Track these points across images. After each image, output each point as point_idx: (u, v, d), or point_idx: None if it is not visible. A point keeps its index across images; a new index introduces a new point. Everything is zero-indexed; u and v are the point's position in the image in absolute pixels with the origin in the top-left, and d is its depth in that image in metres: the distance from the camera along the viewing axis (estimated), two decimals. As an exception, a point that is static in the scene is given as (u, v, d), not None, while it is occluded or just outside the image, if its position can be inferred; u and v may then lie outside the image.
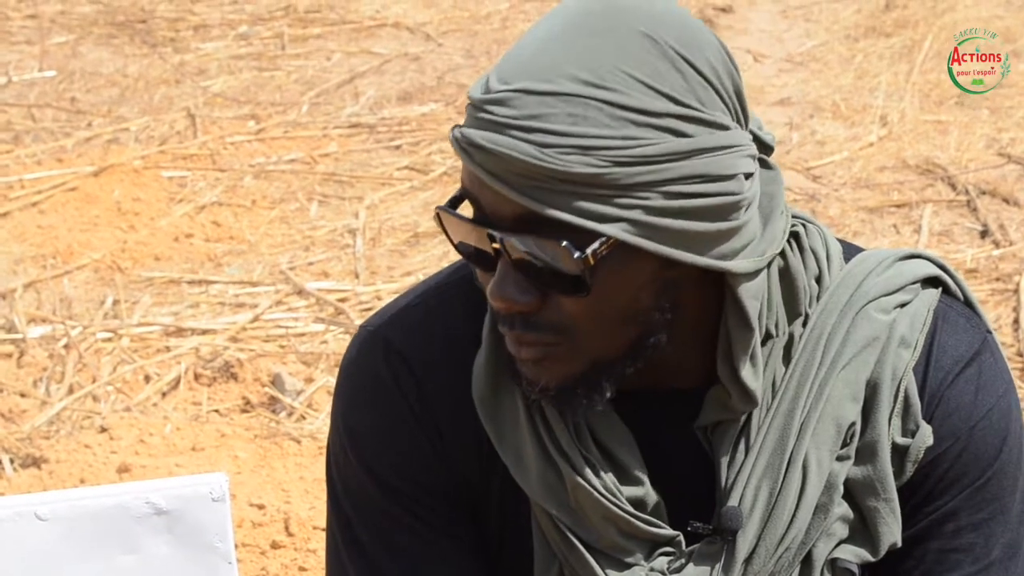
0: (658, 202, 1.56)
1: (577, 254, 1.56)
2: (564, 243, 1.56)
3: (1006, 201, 5.35)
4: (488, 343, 1.72)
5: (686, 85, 1.58)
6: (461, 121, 1.64)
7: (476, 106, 1.59)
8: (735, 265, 1.61)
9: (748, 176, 1.61)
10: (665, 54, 1.58)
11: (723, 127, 1.59)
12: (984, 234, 5.13)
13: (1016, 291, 4.70)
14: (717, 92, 1.59)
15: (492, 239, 1.59)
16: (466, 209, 1.65)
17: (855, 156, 5.73)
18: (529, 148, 1.55)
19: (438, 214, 1.64)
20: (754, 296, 1.65)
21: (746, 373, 1.67)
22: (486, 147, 1.56)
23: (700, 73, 1.59)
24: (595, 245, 1.57)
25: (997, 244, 5.04)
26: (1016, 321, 4.54)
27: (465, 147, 1.58)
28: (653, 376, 1.70)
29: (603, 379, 1.64)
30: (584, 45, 1.57)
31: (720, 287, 1.65)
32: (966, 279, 4.77)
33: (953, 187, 5.46)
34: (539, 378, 1.64)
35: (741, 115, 1.62)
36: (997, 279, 4.80)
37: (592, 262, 1.57)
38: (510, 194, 1.56)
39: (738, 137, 1.60)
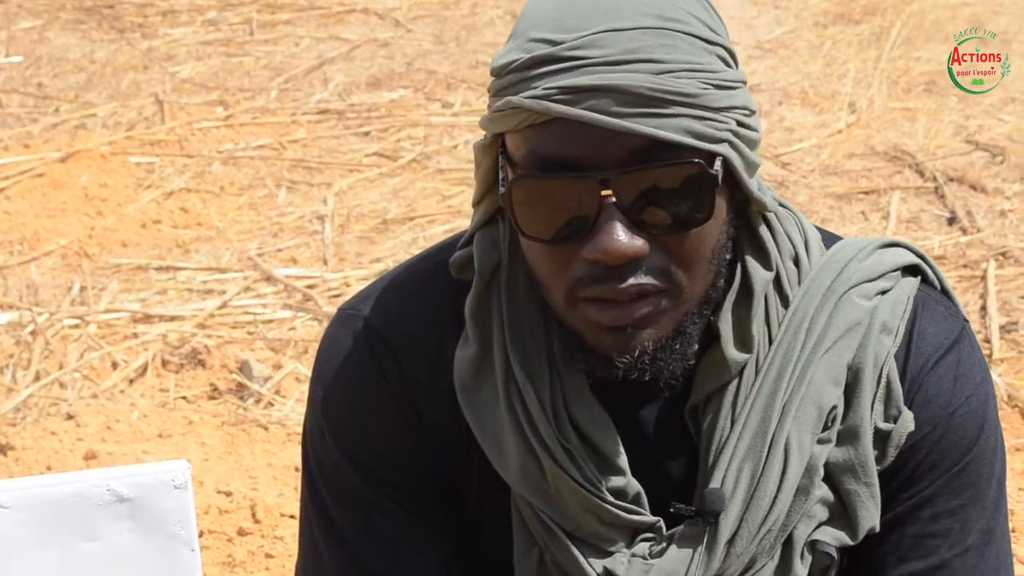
0: (735, 128, 1.61)
1: (711, 170, 1.59)
2: (697, 159, 1.58)
3: (973, 188, 5.37)
4: (476, 335, 1.71)
5: (716, 23, 1.64)
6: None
7: (553, 58, 1.58)
8: (768, 200, 1.68)
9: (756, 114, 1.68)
10: None
11: (736, 62, 1.66)
12: (952, 221, 5.14)
13: (983, 278, 4.72)
14: (726, 32, 1.66)
15: (604, 184, 1.57)
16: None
17: (824, 143, 5.74)
18: (643, 76, 1.56)
19: (510, 192, 1.61)
20: (768, 236, 1.71)
21: (757, 312, 1.69)
22: (600, 85, 1.56)
23: (716, 13, 1.65)
24: (717, 165, 1.60)
25: (964, 231, 5.05)
26: (983, 308, 4.56)
27: (566, 96, 1.56)
28: None
29: (692, 331, 1.65)
30: None
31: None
32: (933, 266, 4.79)
33: (921, 174, 5.48)
34: (636, 344, 1.63)
35: None
36: (964, 266, 4.82)
37: (719, 182, 1.60)
38: (628, 126, 1.56)
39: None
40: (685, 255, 1.61)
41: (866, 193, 5.36)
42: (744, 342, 1.70)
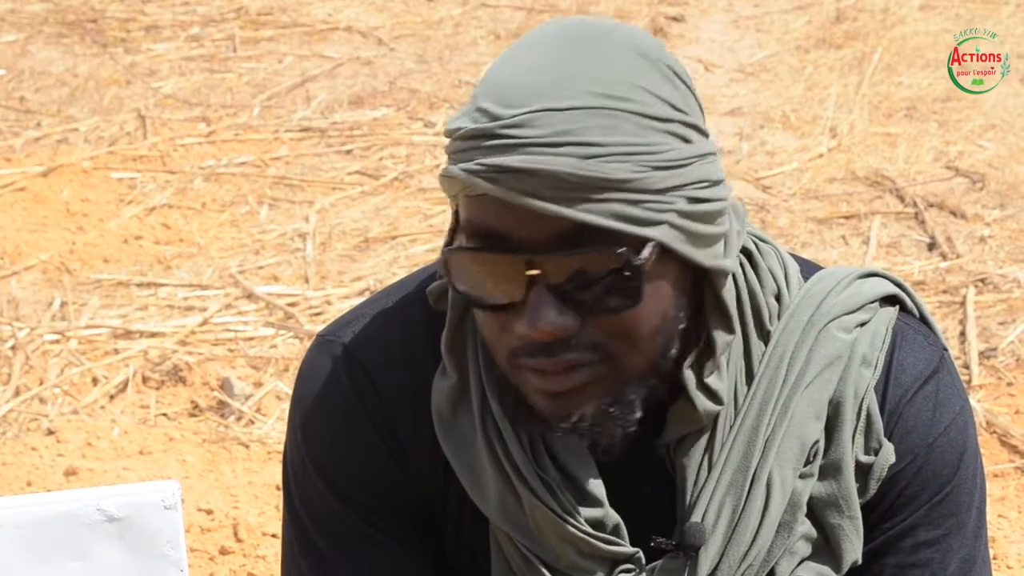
0: (683, 206, 1.59)
1: (636, 260, 1.57)
2: (621, 250, 1.57)
3: (953, 214, 5.39)
4: (453, 367, 1.72)
5: (678, 95, 1.62)
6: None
7: (488, 134, 1.57)
8: (729, 264, 1.65)
9: (723, 182, 1.65)
10: (657, 68, 1.61)
11: (706, 133, 1.64)
12: (932, 247, 5.16)
13: (963, 304, 4.74)
14: (696, 101, 1.64)
15: (530, 264, 1.57)
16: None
17: (804, 167, 5.76)
18: (571, 161, 1.55)
19: (447, 259, 1.61)
20: (731, 298, 1.69)
21: (713, 379, 1.69)
22: (524, 168, 1.55)
23: (685, 83, 1.63)
24: (646, 251, 1.58)
25: (944, 257, 5.07)
26: (963, 334, 4.57)
27: (493, 175, 1.56)
28: None
29: (634, 399, 1.64)
30: (586, 64, 1.59)
31: (688, 296, 1.67)
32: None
33: (901, 199, 5.50)
34: (572, 411, 1.63)
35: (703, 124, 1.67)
36: (944, 292, 4.84)
37: (647, 269, 1.58)
38: (554, 210, 1.55)
39: (713, 144, 1.65)
40: (621, 332, 1.61)
41: (847, 218, 5.38)
42: (711, 394, 1.70)
